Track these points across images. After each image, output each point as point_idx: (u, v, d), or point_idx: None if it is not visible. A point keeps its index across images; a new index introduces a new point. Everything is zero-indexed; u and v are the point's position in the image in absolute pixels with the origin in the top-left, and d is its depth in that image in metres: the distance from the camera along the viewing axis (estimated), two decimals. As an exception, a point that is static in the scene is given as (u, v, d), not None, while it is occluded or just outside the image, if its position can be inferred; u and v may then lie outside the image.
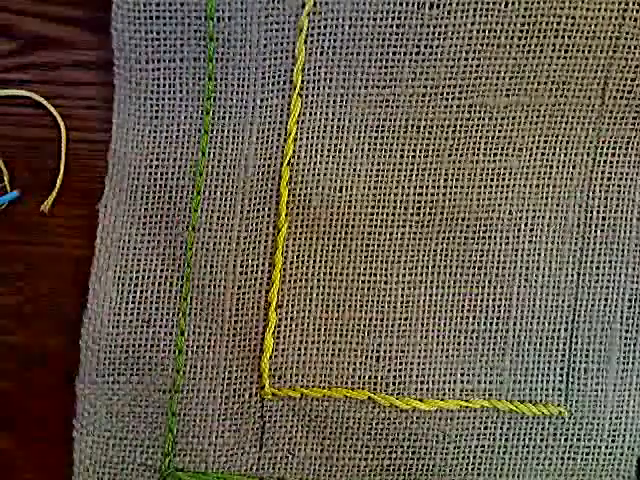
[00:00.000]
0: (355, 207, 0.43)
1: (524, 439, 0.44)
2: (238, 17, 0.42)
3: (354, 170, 0.43)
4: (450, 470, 0.43)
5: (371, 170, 0.43)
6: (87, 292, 0.43)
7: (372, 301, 0.43)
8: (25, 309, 0.46)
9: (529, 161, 0.43)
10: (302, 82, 0.43)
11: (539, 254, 0.43)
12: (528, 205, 0.43)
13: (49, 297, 0.46)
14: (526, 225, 0.43)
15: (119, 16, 0.42)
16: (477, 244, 0.43)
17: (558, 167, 0.43)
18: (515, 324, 0.43)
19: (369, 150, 0.43)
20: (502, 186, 0.43)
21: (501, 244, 0.43)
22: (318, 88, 0.43)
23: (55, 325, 0.46)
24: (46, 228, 0.45)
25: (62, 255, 0.45)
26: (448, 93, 0.42)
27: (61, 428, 0.45)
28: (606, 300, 0.43)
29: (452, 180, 0.43)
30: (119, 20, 0.42)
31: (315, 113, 0.43)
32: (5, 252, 0.46)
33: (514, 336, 0.43)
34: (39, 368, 0.46)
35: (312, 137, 0.43)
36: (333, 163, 0.43)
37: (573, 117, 0.42)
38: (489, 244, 0.43)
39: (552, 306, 0.43)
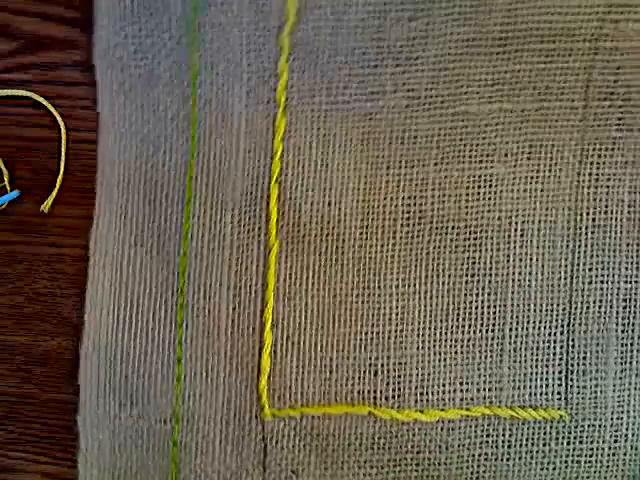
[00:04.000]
0: (345, 221, 0.43)
1: (527, 445, 0.43)
2: (221, 40, 0.42)
3: (342, 184, 0.43)
4: (455, 480, 0.43)
5: (359, 183, 0.43)
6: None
7: (367, 315, 0.43)
8: (25, 309, 0.46)
9: (515, 166, 0.43)
10: (286, 100, 0.43)
11: (531, 259, 0.43)
12: (517, 210, 0.43)
13: (49, 297, 0.45)
14: (516, 230, 0.43)
15: (101, 26, 0.42)
16: (468, 252, 0.43)
17: (545, 171, 0.43)
18: (511, 330, 0.43)
19: (356, 163, 0.43)
20: (490, 192, 0.43)
21: (492, 250, 0.43)
22: (302, 105, 0.43)
23: (55, 325, 0.46)
24: (46, 228, 0.45)
25: (62, 255, 0.45)
26: (430, 103, 0.42)
27: (61, 428, 0.45)
28: (601, 301, 0.43)
29: (440, 189, 0.43)
30: (102, 28, 0.42)
31: (300, 130, 0.43)
32: (5, 252, 0.46)
33: (510, 342, 0.43)
34: (39, 368, 0.45)
35: (299, 154, 0.43)
36: (321, 178, 0.43)
37: (557, 121, 0.43)
38: (480, 251, 0.43)
39: (547, 310, 0.43)
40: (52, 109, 0.45)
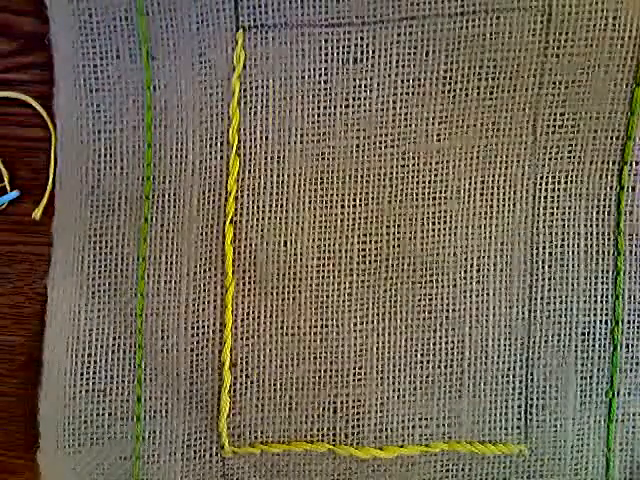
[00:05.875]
0: (301, 260, 0.44)
1: (486, 479, 0.43)
2: (173, 84, 0.43)
3: (297, 224, 0.43)
4: (415, 516, 0.43)
5: (314, 222, 0.43)
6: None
7: (325, 352, 0.44)
8: (25, 309, 0.46)
9: (469, 202, 0.43)
10: (239, 142, 0.43)
11: (488, 294, 0.43)
12: (473, 246, 0.43)
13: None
14: (472, 266, 0.43)
15: (61, 92, 0.43)
16: (425, 288, 0.43)
17: (499, 206, 0.43)
18: (470, 365, 0.43)
19: (310, 203, 0.43)
20: (444, 229, 0.43)
21: (449, 286, 0.43)
22: (255, 147, 0.43)
23: (55, 325, 0.45)
24: (46, 228, 0.45)
25: (62, 255, 0.45)
26: (380, 142, 0.43)
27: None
28: (559, 335, 0.43)
29: (394, 227, 0.43)
30: (61, 95, 0.43)
31: (254, 171, 0.43)
32: (5, 252, 0.46)
33: (469, 377, 0.43)
34: (39, 368, 0.45)
35: (253, 194, 0.44)
36: (276, 218, 0.43)
37: (507, 156, 0.43)
38: (437, 287, 0.43)
39: (505, 345, 0.43)
40: (41, 110, 0.45)
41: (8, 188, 0.46)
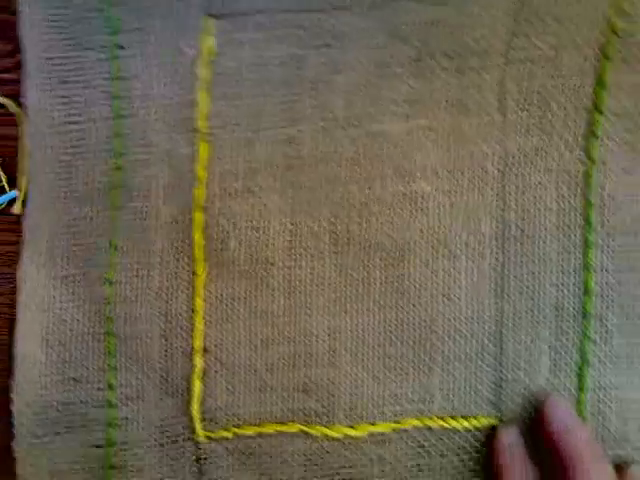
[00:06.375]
0: (273, 244, 0.44)
1: (459, 453, 0.44)
2: (142, 73, 0.43)
3: (268, 209, 0.44)
4: (390, 493, 0.44)
5: (285, 206, 0.44)
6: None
7: (297, 335, 0.44)
8: None
9: (438, 182, 0.43)
10: (208, 128, 0.43)
11: (459, 272, 0.43)
12: (444, 226, 0.43)
13: (48, 297, 0.45)
14: (444, 246, 0.43)
15: (32, 84, 0.43)
16: (396, 269, 0.43)
17: (469, 185, 0.43)
18: (442, 344, 0.44)
19: (280, 187, 0.44)
20: (415, 209, 0.43)
21: (420, 266, 0.44)
22: (224, 133, 0.43)
23: (53, 325, 0.46)
24: None
25: (61, 254, 0.46)
26: (348, 124, 0.43)
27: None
28: (532, 311, 0.43)
29: (365, 208, 0.43)
30: (32, 87, 0.43)
31: (224, 157, 0.44)
32: (5, 252, 0.46)
33: (442, 355, 0.44)
34: None
35: (223, 181, 0.44)
36: (247, 204, 0.44)
37: (476, 135, 0.42)
38: (408, 267, 0.43)
39: (477, 322, 0.43)
40: (15, 108, 0.45)
41: (7, 188, 0.46)
